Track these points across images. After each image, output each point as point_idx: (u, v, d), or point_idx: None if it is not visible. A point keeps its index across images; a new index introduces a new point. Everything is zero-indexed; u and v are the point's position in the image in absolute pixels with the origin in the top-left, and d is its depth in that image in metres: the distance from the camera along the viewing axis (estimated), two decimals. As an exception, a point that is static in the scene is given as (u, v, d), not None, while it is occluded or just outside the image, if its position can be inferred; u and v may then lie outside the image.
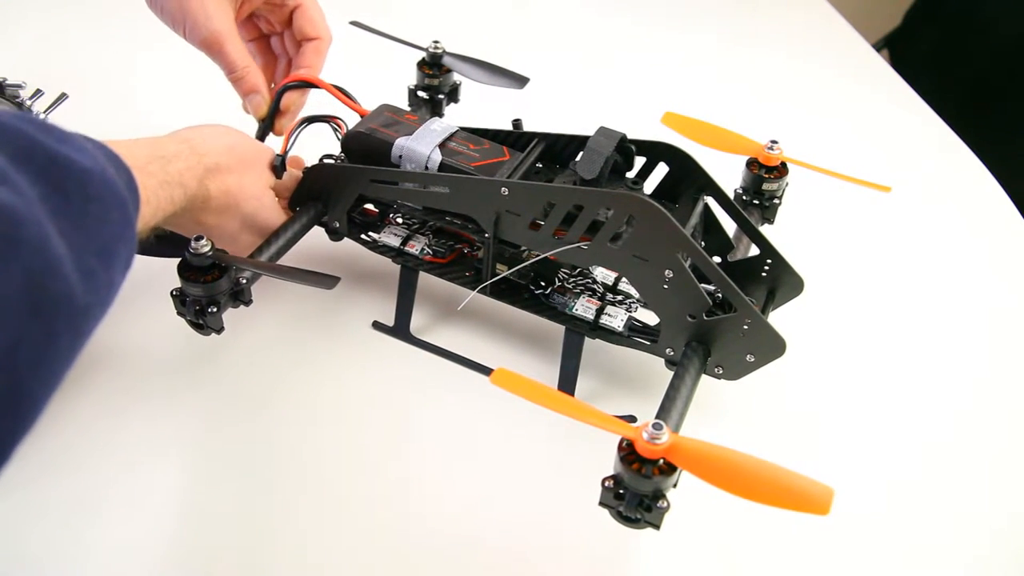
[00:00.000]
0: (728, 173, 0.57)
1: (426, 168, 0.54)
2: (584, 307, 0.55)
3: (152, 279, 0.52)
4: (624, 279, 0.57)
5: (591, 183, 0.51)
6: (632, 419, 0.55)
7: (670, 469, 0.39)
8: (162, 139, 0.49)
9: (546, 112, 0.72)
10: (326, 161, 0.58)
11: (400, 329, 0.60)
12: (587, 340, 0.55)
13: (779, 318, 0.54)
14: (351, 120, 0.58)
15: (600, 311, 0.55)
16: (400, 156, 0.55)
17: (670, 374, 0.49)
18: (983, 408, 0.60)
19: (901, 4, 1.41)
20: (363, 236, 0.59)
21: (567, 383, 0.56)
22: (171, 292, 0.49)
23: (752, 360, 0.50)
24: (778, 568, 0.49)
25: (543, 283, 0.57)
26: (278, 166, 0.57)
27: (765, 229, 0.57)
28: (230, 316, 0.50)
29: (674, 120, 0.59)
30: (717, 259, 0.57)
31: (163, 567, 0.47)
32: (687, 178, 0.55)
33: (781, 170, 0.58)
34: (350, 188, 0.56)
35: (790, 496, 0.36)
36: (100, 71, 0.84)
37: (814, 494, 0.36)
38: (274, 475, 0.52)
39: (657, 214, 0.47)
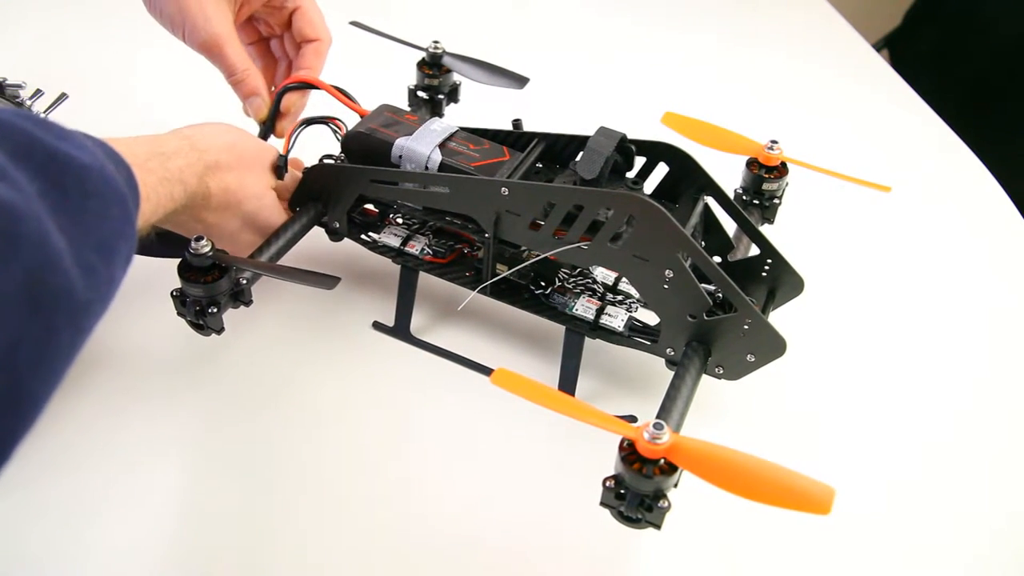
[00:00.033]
0: (728, 173, 0.57)
1: (426, 168, 0.54)
2: (584, 307, 0.55)
3: (152, 279, 0.52)
4: (624, 279, 0.57)
5: (591, 183, 0.51)
6: (633, 419, 0.55)
7: (671, 469, 0.39)
8: (162, 136, 0.48)
9: (546, 112, 0.72)
10: (326, 161, 0.58)
11: (400, 329, 0.60)
12: (587, 340, 0.55)
13: (779, 318, 0.54)
14: (351, 121, 0.58)
15: (600, 311, 0.55)
16: (400, 156, 0.55)
17: (670, 374, 0.49)
18: (983, 408, 0.60)
19: (901, 4, 1.41)
20: (363, 236, 0.59)
21: (567, 383, 0.56)
22: (171, 292, 0.49)
23: (752, 360, 0.50)
24: (779, 568, 0.49)
25: (543, 283, 0.57)
26: (280, 167, 0.57)
27: (765, 229, 0.57)
28: (230, 316, 0.50)
29: (674, 120, 0.59)
30: (717, 259, 0.57)
31: (163, 567, 0.47)
32: (687, 178, 0.55)
33: (781, 170, 0.58)
34: (350, 188, 0.56)
35: (791, 496, 0.36)
36: (100, 71, 0.84)
37: (815, 494, 0.36)
38: (274, 475, 0.51)
39: (657, 214, 0.47)
